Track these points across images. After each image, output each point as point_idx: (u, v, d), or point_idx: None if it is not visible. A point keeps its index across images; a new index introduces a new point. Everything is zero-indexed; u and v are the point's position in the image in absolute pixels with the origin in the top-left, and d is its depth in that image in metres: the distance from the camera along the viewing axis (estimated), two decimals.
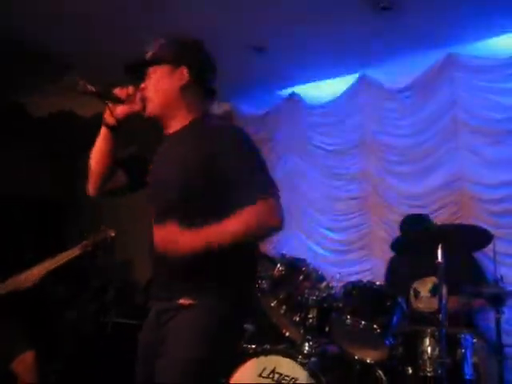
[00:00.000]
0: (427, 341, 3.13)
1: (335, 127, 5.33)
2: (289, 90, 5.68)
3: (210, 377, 1.81)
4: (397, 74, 4.95)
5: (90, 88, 1.96)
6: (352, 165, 5.21)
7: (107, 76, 2.58)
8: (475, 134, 4.50)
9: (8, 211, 3.70)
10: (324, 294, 3.08)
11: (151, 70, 2.01)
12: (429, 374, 3.07)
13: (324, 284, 3.11)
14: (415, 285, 3.79)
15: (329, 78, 5.37)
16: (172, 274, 1.88)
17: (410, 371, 3.15)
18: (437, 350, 3.02)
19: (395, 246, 3.34)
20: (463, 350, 3.14)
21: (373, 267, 4.94)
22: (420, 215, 4.14)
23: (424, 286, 3.74)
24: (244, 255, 1.92)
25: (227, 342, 1.86)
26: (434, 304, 3.51)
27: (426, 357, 3.11)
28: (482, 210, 4.43)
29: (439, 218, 4.49)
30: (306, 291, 3.05)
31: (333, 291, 3.12)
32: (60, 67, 4.79)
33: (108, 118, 2.03)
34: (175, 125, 2.02)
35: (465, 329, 3.47)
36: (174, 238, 1.72)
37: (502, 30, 4.35)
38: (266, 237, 2.00)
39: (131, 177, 2.15)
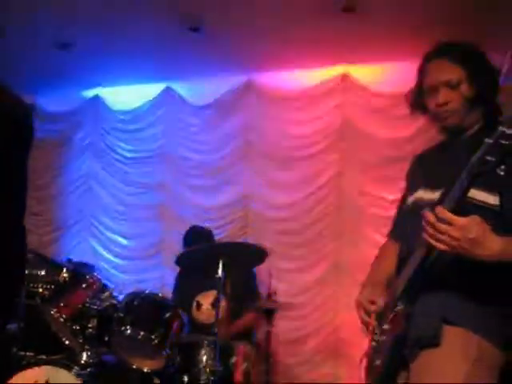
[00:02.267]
0: (203, 350, 3.30)
1: (136, 135, 5.37)
2: (93, 92, 5.59)
3: None
4: (201, 91, 5.15)
5: None
6: (149, 174, 5.29)
7: None
8: (264, 158, 4.86)
9: None
10: (106, 304, 3.08)
11: None
12: (202, 382, 3.23)
13: (106, 293, 3.11)
14: (198, 297, 3.97)
15: (134, 84, 5.39)
16: None
17: (186, 379, 3.29)
18: (211, 358, 3.20)
19: (179, 260, 3.46)
20: (235, 358, 3.37)
21: (162, 275, 5.05)
22: (202, 228, 4.28)
23: (206, 299, 3.93)
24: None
25: None
26: (214, 316, 3.73)
27: (201, 365, 3.28)
28: (266, 228, 4.78)
29: (228, 232, 4.77)
30: (88, 300, 3.03)
31: (115, 301, 3.13)
32: None
33: None
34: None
35: (240, 339, 3.74)
36: None
37: (295, 66, 4.76)
38: None
39: None
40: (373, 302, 1.84)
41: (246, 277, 3.96)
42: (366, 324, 1.86)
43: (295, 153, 4.75)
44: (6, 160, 1.68)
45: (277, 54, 4.57)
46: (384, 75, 4.59)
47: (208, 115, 5.09)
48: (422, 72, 1.86)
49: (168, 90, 5.26)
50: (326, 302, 4.53)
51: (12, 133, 1.69)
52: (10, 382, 2.79)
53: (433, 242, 1.50)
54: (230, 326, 3.78)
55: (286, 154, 4.78)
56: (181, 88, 5.25)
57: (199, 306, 3.95)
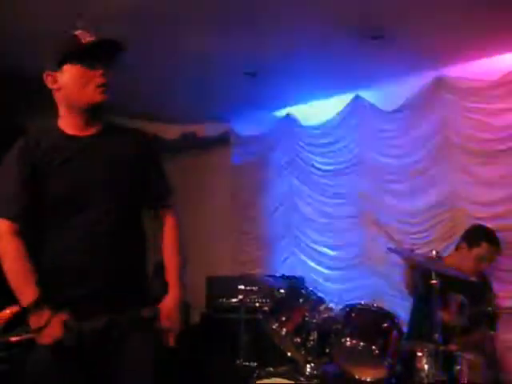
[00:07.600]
0: (424, 359, 3.21)
1: (331, 147, 5.45)
2: (284, 111, 5.81)
3: None
4: (390, 95, 5.08)
5: None
6: (348, 184, 5.32)
7: None
8: (466, 154, 4.62)
9: None
10: (324, 316, 3.15)
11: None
12: None
13: (323, 306, 3.18)
14: None
15: (323, 98, 5.49)
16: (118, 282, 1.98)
17: None
18: (433, 367, 3.11)
19: None
20: (459, 367, 3.22)
21: (370, 284, 5.04)
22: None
23: None
24: None
25: None
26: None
27: (422, 374, 3.20)
28: None
29: (436, 235, 4.60)
30: (306, 314, 3.13)
31: (332, 313, 3.19)
32: None
33: None
34: (94, 125, 2.03)
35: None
36: None
37: (492, 52, 4.47)
38: None
39: None
40: None
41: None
42: None
43: (500, 145, 4.42)
44: None
45: (468, 44, 4.33)
46: None
47: (401, 118, 4.98)
48: None
49: (357, 98, 5.26)
50: None
51: None
52: None
53: None
54: (463, 338, 3.62)
55: (490, 148, 4.47)
56: (369, 95, 5.23)
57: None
